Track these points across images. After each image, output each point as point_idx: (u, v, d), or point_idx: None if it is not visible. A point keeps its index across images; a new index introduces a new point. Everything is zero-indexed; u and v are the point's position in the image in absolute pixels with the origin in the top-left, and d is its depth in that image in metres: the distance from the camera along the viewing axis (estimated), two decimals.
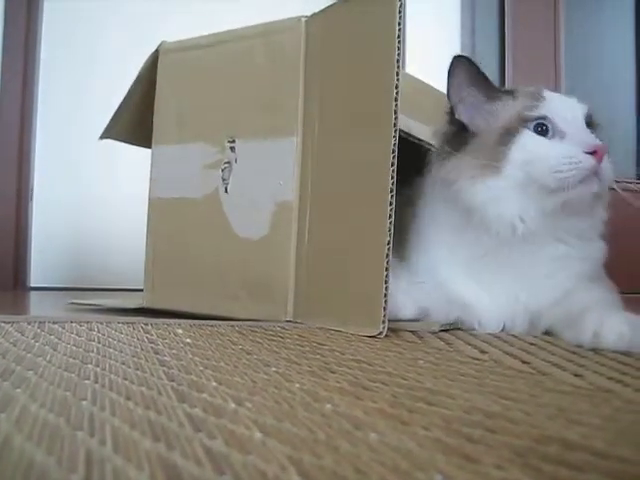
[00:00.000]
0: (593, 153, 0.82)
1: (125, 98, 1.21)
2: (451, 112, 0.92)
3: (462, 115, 0.91)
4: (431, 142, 0.98)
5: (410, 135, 0.97)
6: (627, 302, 0.87)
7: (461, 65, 0.89)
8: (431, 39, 2.15)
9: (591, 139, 0.85)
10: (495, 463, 0.32)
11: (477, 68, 0.90)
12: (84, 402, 0.43)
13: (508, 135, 0.87)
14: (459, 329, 0.92)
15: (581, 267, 0.92)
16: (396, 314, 0.86)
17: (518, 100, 0.90)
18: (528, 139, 0.86)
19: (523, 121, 0.87)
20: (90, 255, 2.06)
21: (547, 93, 0.90)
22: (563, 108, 0.88)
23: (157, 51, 1.15)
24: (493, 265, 0.91)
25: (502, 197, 0.86)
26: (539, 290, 0.90)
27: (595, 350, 0.72)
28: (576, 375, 0.58)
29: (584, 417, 0.42)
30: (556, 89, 2.16)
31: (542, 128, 0.87)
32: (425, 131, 1.00)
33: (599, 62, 2.29)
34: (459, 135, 0.91)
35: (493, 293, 0.91)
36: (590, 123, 0.90)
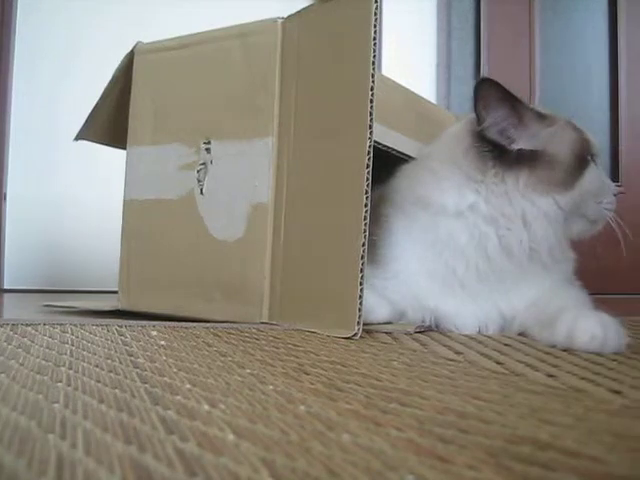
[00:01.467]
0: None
1: (100, 99, 1.20)
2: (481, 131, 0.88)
3: (494, 135, 0.88)
4: (396, 147, 0.98)
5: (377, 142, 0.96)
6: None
7: (487, 87, 0.87)
8: (407, 41, 2.17)
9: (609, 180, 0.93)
10: (467, 463, 0.33)
11: (504, 90, 0.87)
12: (56, 405, 0.43)
13: (581, 162, 0.89)
14: (434, 331, 0.92)
15: (555, 273, 0.94)
16: (369, 316, 0.86)
17: (571, 129, 0.91)
18: (594, 171, 0.90)
19: (589, 153, 0.90)
20: (65, 257, 2.04)
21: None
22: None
23: (132, 52, 1.14)
24: (467, 275, 0.92)
25: (556, 220, 0.89)
26: (513, 295, 0.91)
27: (568, 350, 0.73)
28: (549, 375, 0.58)
29: (556, 417, 0.43)
30: (531, 90, 2.19)
31: (595, 163, 0.91)
32: (390, 134, 1.00)
33: (573, 63, 2.32)
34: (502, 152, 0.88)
35: (467, 299, 0.92)
36: None
